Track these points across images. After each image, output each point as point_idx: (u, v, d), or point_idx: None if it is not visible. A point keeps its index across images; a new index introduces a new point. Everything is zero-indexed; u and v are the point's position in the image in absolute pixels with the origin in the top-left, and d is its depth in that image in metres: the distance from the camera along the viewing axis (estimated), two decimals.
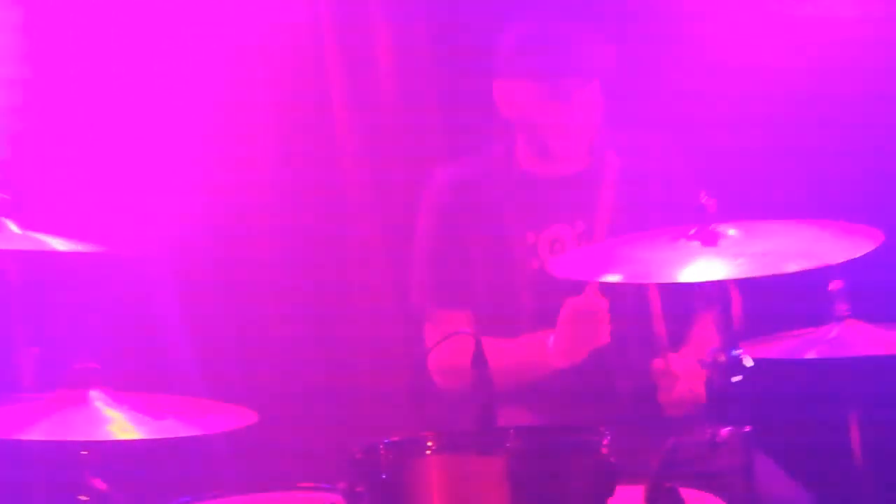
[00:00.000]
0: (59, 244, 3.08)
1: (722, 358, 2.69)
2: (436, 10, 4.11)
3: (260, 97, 4.16)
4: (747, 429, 2.65)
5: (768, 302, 3.10)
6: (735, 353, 2.69)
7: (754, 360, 2.70)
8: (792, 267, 2.64)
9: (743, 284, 3.26)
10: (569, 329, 3.29)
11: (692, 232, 2.80)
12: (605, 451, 2.51)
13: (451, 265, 3.53)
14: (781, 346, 3.11)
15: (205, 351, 4.07)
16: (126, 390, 2.91)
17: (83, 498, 2.83)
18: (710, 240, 2.78)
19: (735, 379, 2.69)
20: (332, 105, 4.16)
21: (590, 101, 3.42)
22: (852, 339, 3.04)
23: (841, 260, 2.66)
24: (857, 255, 2.67)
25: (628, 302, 3.36)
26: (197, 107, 4.11)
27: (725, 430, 2.65)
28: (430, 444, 2.50)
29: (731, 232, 2.80)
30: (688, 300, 3.37)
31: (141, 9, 4.08)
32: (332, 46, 4.15)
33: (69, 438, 2.79)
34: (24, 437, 2.77)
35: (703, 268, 2.70)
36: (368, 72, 4.15)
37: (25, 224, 3.15)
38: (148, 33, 4.07)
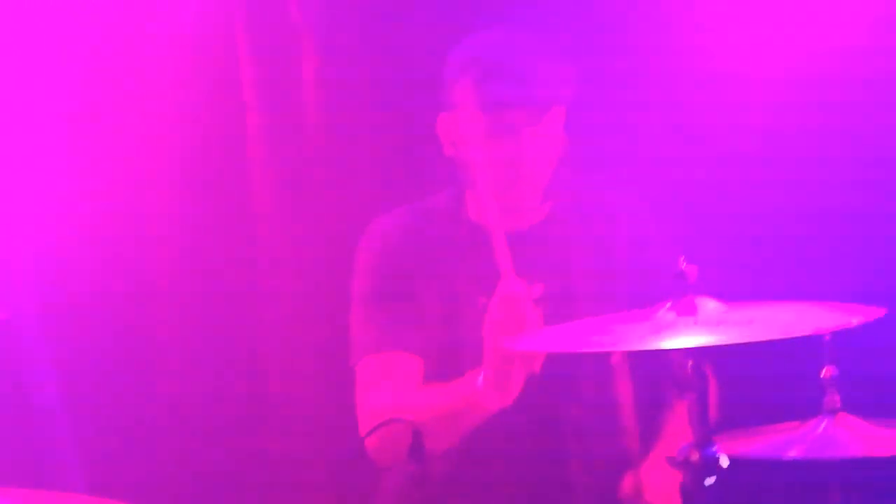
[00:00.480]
0: None
1: (694, 456, 2.64)
2: (372, 31, 4.07)
3: (165, 135, 4.09)
4: None
5: (749, 391, 3.07)
6: (710, 450, 2.64)
7: (731, 458, 2.64)
8: (779, 334, 2.63)
9: (722, 370, 3.25)
10: (495, 337, 3.18)
11: (668, 306, 2.76)
12: None
13: (399, 310, 3.41)
14: (762, 443, 3.06)
15: (88, 437, 3.95)
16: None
17: None
18: (687, 310, 2.74)
19: (708, 481, 2.63)
20: (247, 149, 4.09)
21: (544, 139, 3.35)
22: (843, 436, 2.99)
23: (835, 327, 2.66)
24: (854, 323, 2.67)
25: (589, 384, 3.29)
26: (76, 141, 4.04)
27: None
28: None
29: (712, 305, 2.77)
30: (658, 386, 3.32)
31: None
32: (250, 74, 4.09)
33: None
34: None
35: (679, 338, 2.69)
36: (290, 106, 4.09)
37: None
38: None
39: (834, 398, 3.03)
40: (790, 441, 3.03)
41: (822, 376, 3.02)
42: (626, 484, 3.26)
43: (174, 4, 4.04)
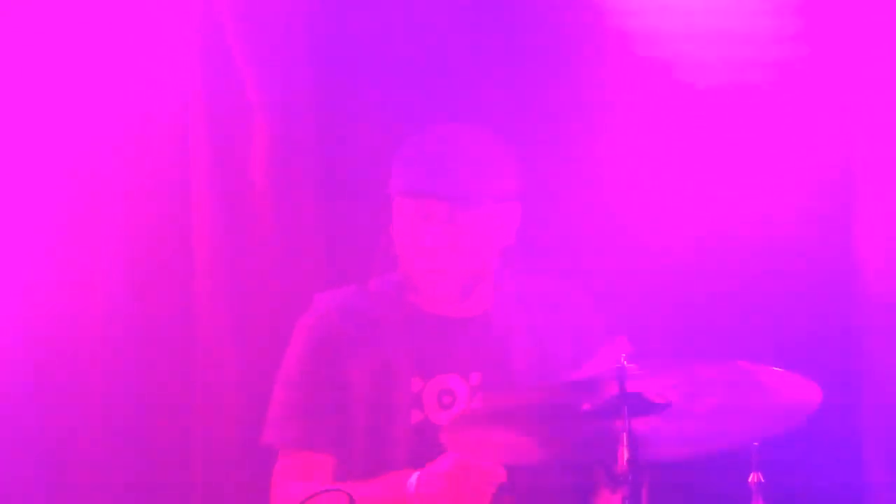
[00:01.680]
0: None
1: None
2: (326, 113, 4.09)
3: (110, 214, 4.07)
4: None
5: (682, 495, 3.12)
6: None
7: None
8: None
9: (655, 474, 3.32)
10: (445, 482, 3.24)
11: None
12: None
13: (323, 400, 3.45)
14: None
15: None
16: None
17: None
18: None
19: None
20: (192, 233, 4.07)
21: (467, 232, 3.41)
22: None
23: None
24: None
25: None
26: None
27: None
28: None
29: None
30: (592, 476, 3.37)
31: None
32: (200, 154, 4.07)
33: None
34: None
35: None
36: (238, 184, 4.09)
37: None
38: None
39: None
40: None
41: (749, 482, 3.09)
42: None
43: (126, 82, 4.03)
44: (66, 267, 4.02)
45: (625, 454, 2.83)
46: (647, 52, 3.94)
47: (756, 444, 3.07)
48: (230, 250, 4.07)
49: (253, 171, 4.08)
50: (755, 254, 3.94)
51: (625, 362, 2.87)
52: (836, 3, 3.88)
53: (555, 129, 4.01)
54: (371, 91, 4.03)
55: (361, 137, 4.03)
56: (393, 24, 4.02)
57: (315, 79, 4.06)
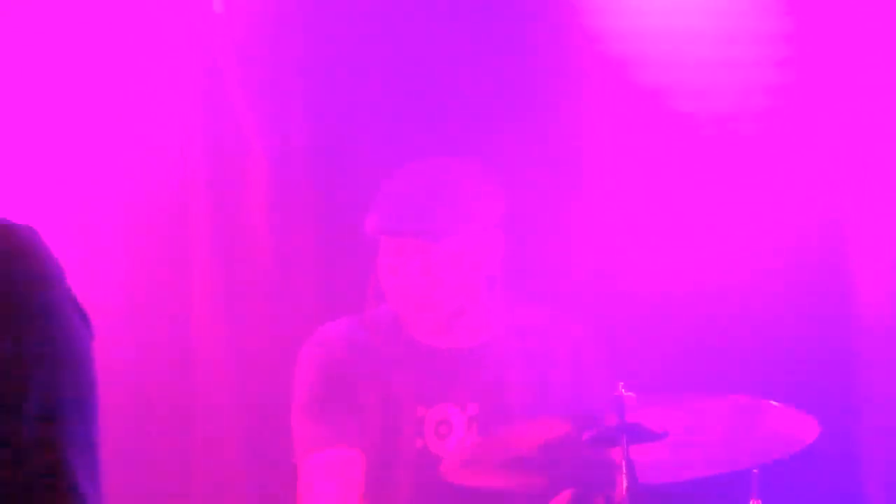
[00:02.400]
0: None
1: None
2: (322, 148, 4.09)
3: (111, 245, 4.05)
4: None
5: None
6: None
7: None
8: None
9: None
10: None
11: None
12: None
13: (341, 413, 3.43)
14: None
15: None
16: None
17: None
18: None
19: None
20: (190, 256, 4.07)
21: (438, 265, 3.41)
22: None
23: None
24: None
25: None
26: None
27: None
28: None
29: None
30: None
31: None
32: (199, 188, 4.07)
33: None
34: None
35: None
36: (237, 215, 4.09)
37: None
38: None
39: None
40: None
41: None
42: None
43: (128, 127, 4.03)
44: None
45: (624, 482, 2.83)
46: (651, 105, 3.96)
47: (755, 471, 3.07)
48: (228, 289, 4.06)
49: (250, 209, 4.08)
50: (752, 278, 3.94)
51: (622, 390, 2.88)
52: (829, 26, 3.89)
53: (550, 164, 4.01)
54: (366, 132, 4.04)
55: (357, 178, 4.03)
56: (387, 67, 4.04)
57: (311, 121, 4.07)
